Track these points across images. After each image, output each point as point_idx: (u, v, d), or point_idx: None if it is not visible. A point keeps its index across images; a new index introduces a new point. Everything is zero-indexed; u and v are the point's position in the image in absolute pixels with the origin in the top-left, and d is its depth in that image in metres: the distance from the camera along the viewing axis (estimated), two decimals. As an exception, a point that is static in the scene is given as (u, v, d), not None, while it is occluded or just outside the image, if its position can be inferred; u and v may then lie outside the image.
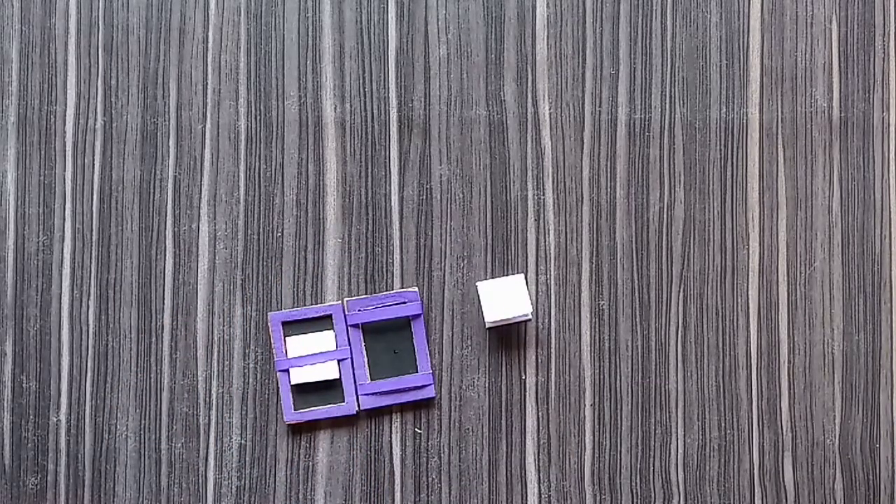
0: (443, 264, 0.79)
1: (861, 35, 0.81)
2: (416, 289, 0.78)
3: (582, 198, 0.80)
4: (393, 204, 0.80)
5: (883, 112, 0.80)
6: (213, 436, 0.79)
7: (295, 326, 0.78)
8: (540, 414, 0.79)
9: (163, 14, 0.80)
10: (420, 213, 0.80)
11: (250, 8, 0.80)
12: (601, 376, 0.79)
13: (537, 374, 0.79)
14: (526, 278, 0.79)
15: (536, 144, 0.80)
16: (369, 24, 0.80)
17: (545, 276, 0.79)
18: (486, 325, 0.78)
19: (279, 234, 0.79)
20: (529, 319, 0.78)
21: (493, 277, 0.79)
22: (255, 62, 0.80)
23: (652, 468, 0.79)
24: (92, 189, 0.79)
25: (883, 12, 0.81)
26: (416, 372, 0.78)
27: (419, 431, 0.79)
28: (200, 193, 0.79)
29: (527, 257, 0.79)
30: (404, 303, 0.78)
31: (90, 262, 0.79)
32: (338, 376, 0.78)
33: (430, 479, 0.78)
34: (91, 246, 0.79)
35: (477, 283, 0.77)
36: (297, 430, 0.78)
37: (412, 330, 0.78)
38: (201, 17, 0.80)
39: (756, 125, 0.80)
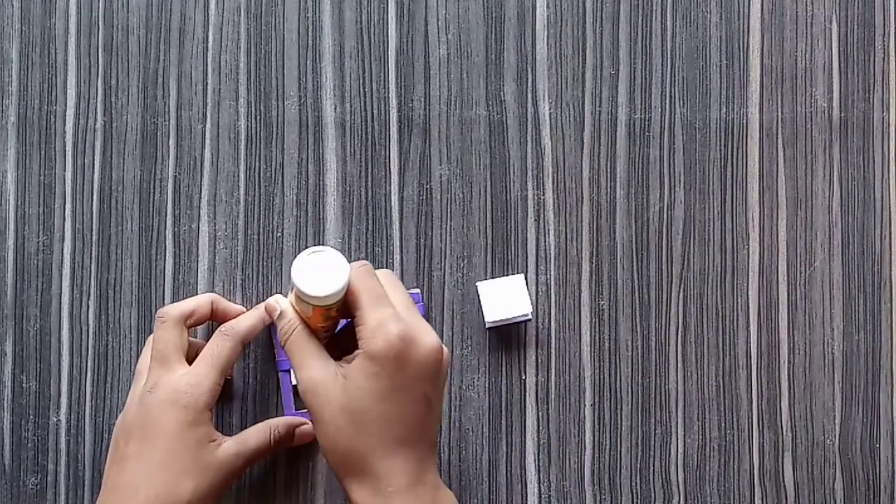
0: (443, 264, 0.79)
1: (861, 35, 0.81)
2: (417, 289, 0.78)
3: (582, 198, 0.80)
4: (393, 204, 0.80)
5: (883, 112, 0.80)
6: (213, 436, 0.78)
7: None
8: (540, 414, 0.79)
9: (163, 14, 0.80)
10: (420, 213, 0.80)
11: (250, 8, 0.80)
12: (601, 376, 0.79)
13: (537, 374, 0.79)
14: (526, 278, 0.79)
15: (536, 144, 0.80)
16: (369, 24, 0.80)
17: (545, 276, 0.79)
18: (486, 325, 0.78)
19: (279, 234, 0.79)
20: (529, 319, 0.78)
21: (493, 277, 0.79)
22: (255, 62, 0.80)
23: (652, 468, 0.79)
24: (92, 189, 0.79)
25: (883, 12, 0.81)
26: (417, 372, 0.78)
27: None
28: (200, 193, 0.79)
29: (527, 257, 0.79)
30: (405, 303, 0.78)
31: (90, 262, 0.79)
32: (339, 376, 0.78)
33: (430, 479, 0.78)
34: (91, 246, 0.79)
35: (477, 283, 0.77)
36: (297, 430, 0.78)
37: (413, 330, 0.78)
38: (201, 17, 0.80)
39: (756, 125, 0.80)
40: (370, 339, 0.64)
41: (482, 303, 0.76)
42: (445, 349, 0.67)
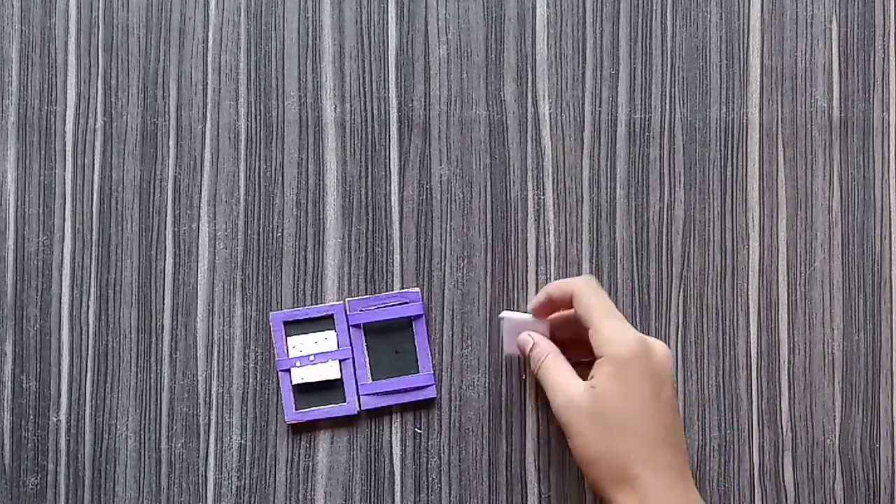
0: (443, 264, 0.79)
1: (861, 35, 0.81)
2: (417, 289, 0.78)
3: (582, 198, 0.80)
4: (393, 204, 0.80)
5: (883, 112, 0.80)
6: (213, 436, 0.79)
7: (296, 326, 0.78)
8: (540, 414, 0.79)
9: (163, 14, 0.80)
10: (420, 213, 0.80)
11: (250, 8, 0.80)
12: (601, 376, 0.79)
13: (537, 374, 0.79)
14: (526, 278, 0.79)
15: (536, 144, 0.80)
16: (369, 24, 0.80)
17: (545, 276, 0.79)
18: (505, 354, 0.78)
19: (279, 234, 0.79)
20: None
21: (492, 277, 0.79)
22: (255, 62, 0.80)
23: (652, 468, 0.79)
24: (92, 189, 0.79)
25: (883, 12, 0.81)
26: (418, 372, 0.78)
27: (419, 431, 0.79)
28: (200, 193, 0.79)
29: (527, 257, 0.79)
30: (406, 303, 0.78)
31: (90, 262, 0.79)
32: (339, 376, 0.78)
33: (430, 479, 0.78)
34: (91, 246, 0.79)
35: (501, 315, 0.76)
36: (297, 430, 0.78)
37: (414, 330, 0.78)
38: (201, 17, 0.80)
39: (756, 125, 0.80)
40: (612, 346, 0.68)
41: (504, 336, 0.76)
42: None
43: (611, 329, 0.68)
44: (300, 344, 0.78)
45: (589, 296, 0.70)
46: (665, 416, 0.68)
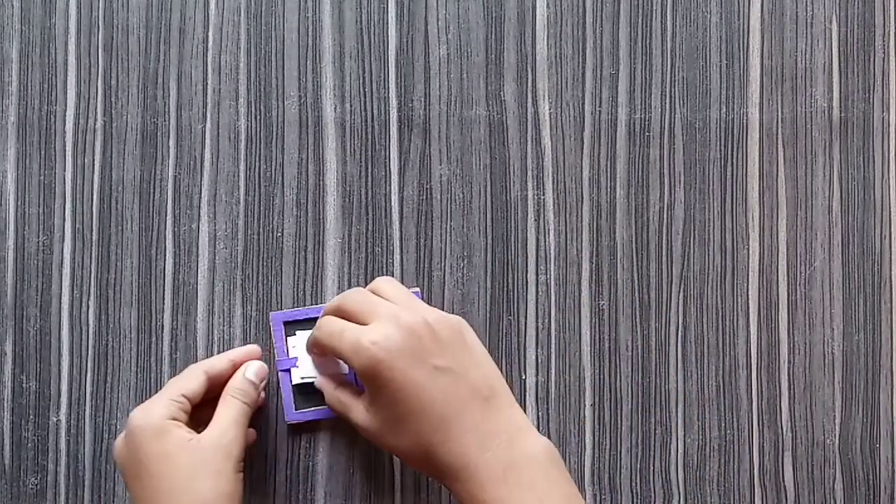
0: (443, 264, 0.79)
1: (861, 35, 0.81)
2: (417, 289, 0.78)
3: (582, 198, 0.80)
4: (393, 204, 0.80)
5: (883, 112, 0.80)
6: (213, 436, 0.78)
7: (296, 326, 0.78)
8: (540, 414, 0.79)
9: (163, 14, 0.80)
10: (420, 213, 0.80)
11: (250, 8, 0.80)
12: (601, 376, 0.79)
13: (537, 374, 0.79)
14: (526, 278, 0.79)
15: (536, 144, 0.80)
16: (369, 24, 0.80)
17: (545, 276, 0.79)
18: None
19: (279, 234, 0.79)
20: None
21: (492, 277, 0.79)
22: (255, 62, 0.80)
23: (652, 468, 0.79)
24: (92, 189, 0.79)
25: (883, 12, 0.81)
26: (417, 372, 0.78)
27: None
28: (200, 193, 0.79)
29: (527, 257, 0.79)
30: (405, 303, 0.78)
31: (90, 262, 0.79)
32: (339, 376, 0.78)
33: (430, 479, 0.78)
34: (91, 246, 0.79)
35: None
36: (297, 430, 0.78)
37: (413, 330, 0.78)
38: (201, 17, 0.80)
39: (756, 125, 0.80)
40: (354, 364, 0.68)
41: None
42: (418, 318, 0.68)
43: (347, 346, 0.69)
44: (300, 344, 0.78)
45: (316, 330, 0.72)
46: (437, 395, 0.67)
